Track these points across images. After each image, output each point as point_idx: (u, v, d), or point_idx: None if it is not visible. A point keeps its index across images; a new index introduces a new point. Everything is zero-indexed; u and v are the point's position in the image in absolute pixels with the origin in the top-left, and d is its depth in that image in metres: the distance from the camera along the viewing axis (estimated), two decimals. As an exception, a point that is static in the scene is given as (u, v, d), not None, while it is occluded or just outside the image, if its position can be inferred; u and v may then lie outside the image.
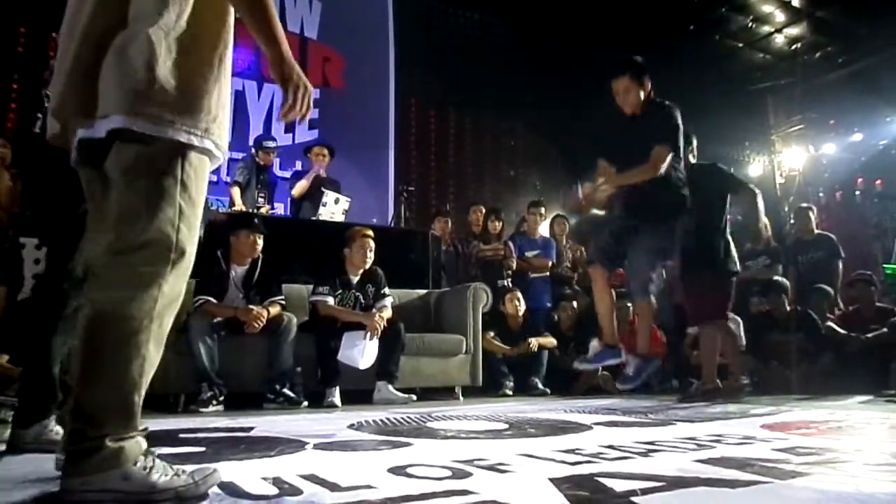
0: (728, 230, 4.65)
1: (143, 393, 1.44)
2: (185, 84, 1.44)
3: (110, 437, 1.38)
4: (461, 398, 4.84)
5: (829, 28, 9.57)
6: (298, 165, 8.06)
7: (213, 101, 1.50)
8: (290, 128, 8.68)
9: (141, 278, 1.42)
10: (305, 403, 4.09)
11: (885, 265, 8.22)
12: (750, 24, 9.68)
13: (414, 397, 4.43)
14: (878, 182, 10.55)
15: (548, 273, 6.59)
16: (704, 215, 4.41)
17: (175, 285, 1.47)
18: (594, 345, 4.36)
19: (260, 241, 4.35)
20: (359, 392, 4.36)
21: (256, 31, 1.53)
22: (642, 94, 3.93)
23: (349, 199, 6.06)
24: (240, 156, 8.06)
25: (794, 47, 10.12)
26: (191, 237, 1.48)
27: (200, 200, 1.52)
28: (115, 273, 1.43)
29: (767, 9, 9.38)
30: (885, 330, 5.48)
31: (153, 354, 1.44)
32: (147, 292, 1.42)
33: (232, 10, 1.55)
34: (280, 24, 1.54)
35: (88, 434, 1.38)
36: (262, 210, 5.94)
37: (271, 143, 6.49)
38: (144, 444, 1.46)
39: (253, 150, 6.49)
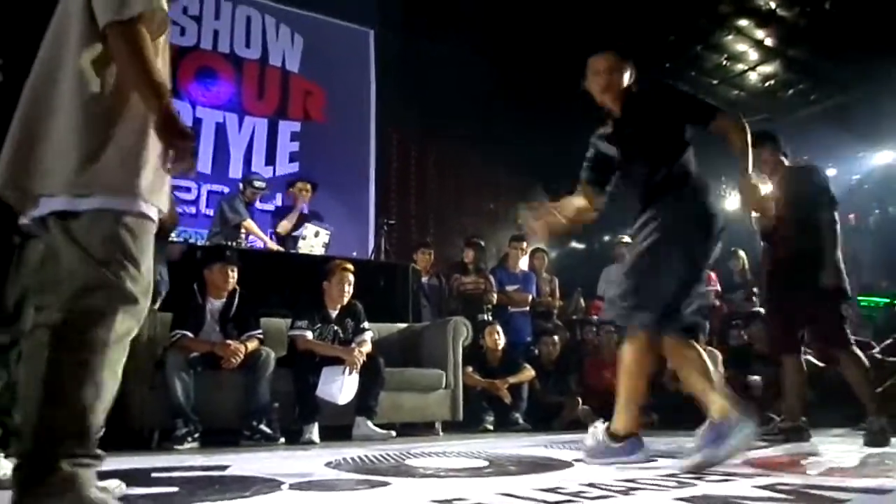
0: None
1: (99, 421, 1.47)
2: (116, 156, 1.53)
3: (66, 461, 1.40)
4: (441, 433, 4.79)
5: (802, 66, 9.80)
6: (279, 199, 8.04)
7: (147, 167, 1.57)
8: (270, 160, 8.68)
9: (98, 312, 1.51)
10: (282, 440, 4.02)
11: (859, 297, 8.28)
12: (724, 63, 9.90)
13: (393, 433, 4.36)
14: (852, 216, 10.71)
15: (528, 307, 6.59)
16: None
17: (124, 324, 1.54)
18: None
19: (234, 274, 4.29)
20: (337, 428, 4.29)
21: (133, 87, 1.57)
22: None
23: (329, 232, 6.02)
24: (219, 188, 8.04)
25: (767, 85, 10.34)
26: (138, 290, 1.57)
27: (144, 259, 1.60)
28: (76, 308, 1.51)
29: (741, 48, 9.60)
30: (862, 363, 5.51)
31: (108, 383, 1.50)
32: (102, 325, 1.50)
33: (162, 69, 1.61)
34: (155, 79, 1.54)
35: (43, 456, 1.40)
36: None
37: (262, 184, 6.34)
38: (98, 482, 1.47)
39: (241, 186, 6.37)
